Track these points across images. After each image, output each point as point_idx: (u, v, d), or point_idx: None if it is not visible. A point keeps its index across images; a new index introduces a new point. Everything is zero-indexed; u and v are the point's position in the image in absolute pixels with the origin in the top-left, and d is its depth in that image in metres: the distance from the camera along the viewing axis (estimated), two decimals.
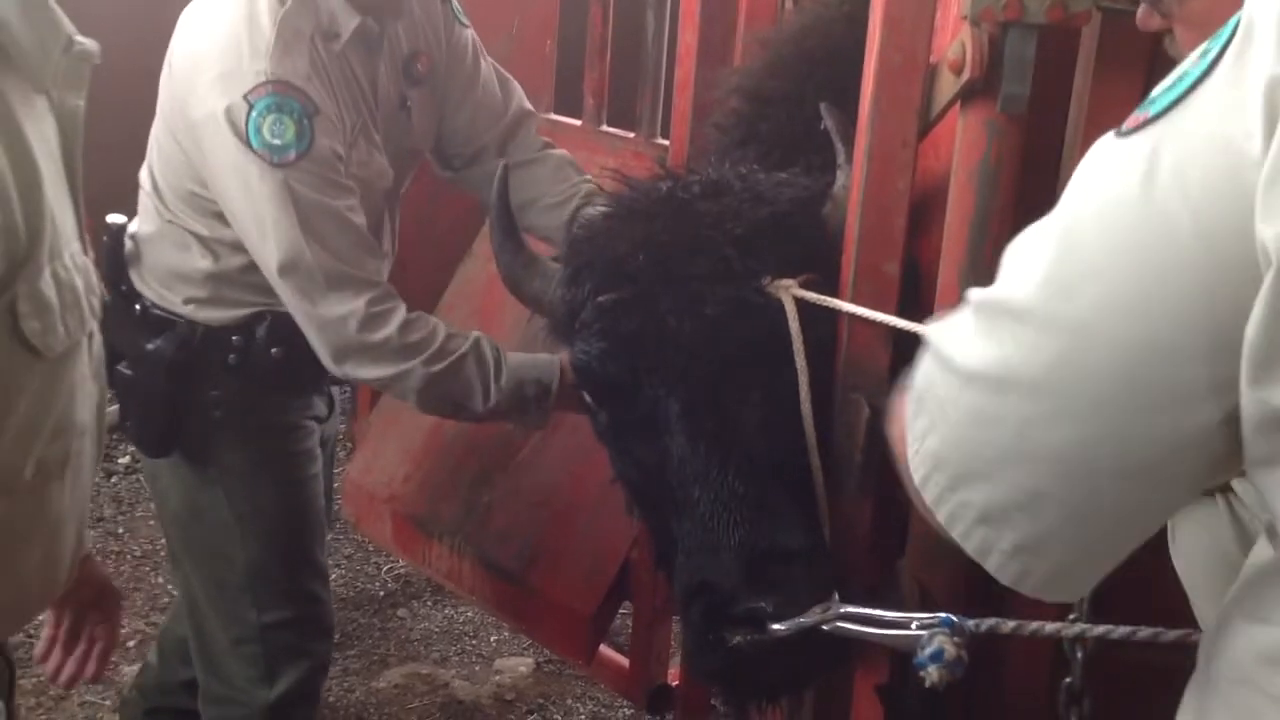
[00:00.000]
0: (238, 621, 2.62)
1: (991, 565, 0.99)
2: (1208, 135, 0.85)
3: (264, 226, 2.27)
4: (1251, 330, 0.83)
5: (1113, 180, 0.91)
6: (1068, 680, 1.67)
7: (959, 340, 0.98)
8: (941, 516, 1.00)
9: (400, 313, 2.35)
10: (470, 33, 2.79)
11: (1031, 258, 0.94)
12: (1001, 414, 0.93)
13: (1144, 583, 1.33)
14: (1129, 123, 0.91)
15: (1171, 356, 0.87)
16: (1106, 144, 0.93)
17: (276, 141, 2.25)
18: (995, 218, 1.56)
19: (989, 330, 0.96)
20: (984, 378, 0.94)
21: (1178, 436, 0.89)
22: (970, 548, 0.99)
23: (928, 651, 1.43)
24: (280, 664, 2.65)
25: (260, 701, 2.65)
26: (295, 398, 2.57)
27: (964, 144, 1.58)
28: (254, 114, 2.26)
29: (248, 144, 2.26)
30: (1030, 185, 1.58)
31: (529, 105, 2.89)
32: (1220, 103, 0.85)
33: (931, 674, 1.42)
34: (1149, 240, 0.87)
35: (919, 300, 1.74)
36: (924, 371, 1.02)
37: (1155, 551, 1.50)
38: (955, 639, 1.42)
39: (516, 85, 2.88)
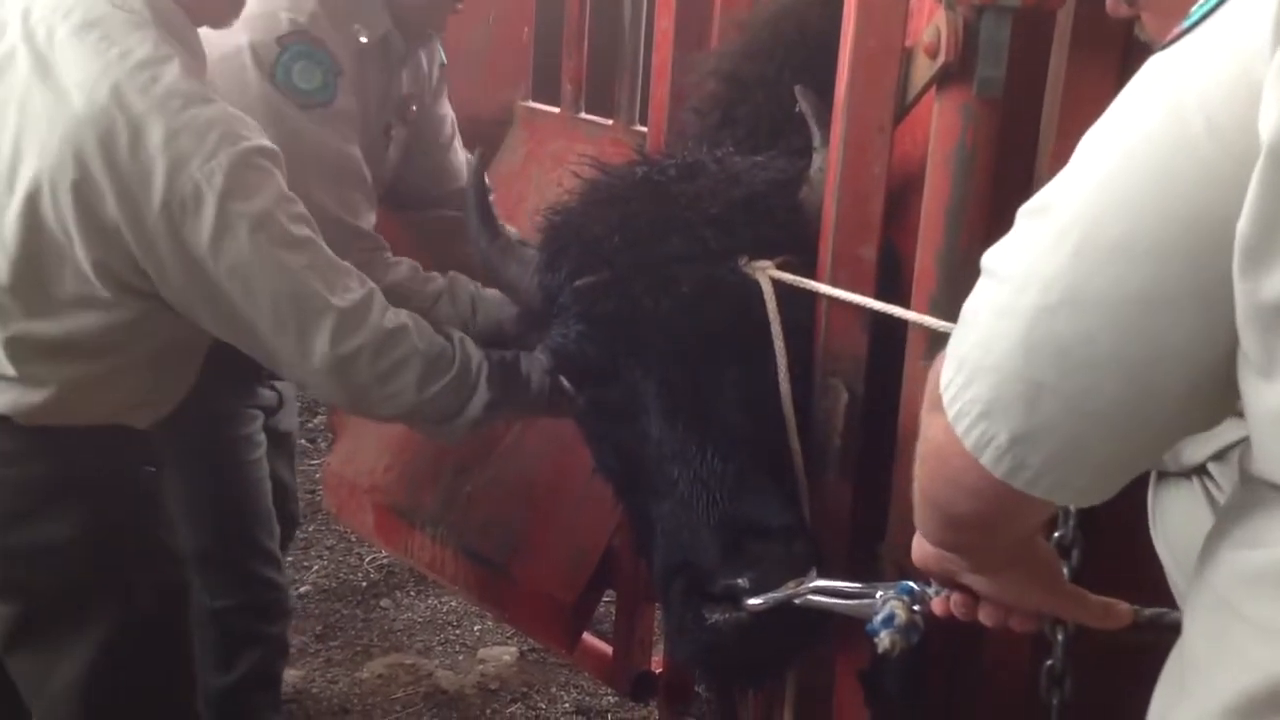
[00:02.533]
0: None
1: (988, 459, 1.02)
2: (1226, 41, 0.90)
3: None
4: (1242, 220, 0.87)
5: (1142, 91, 0.96)
6: (1049, 662, 1.67)
7: (1001, 250, 1.03)
8: (952, 414, 1.03)
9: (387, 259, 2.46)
10: (451, 114, 2.98)
11: (1072, 161, 0.99)
12: (1020, 307, 0.98)
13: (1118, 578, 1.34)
14: (1169, 37, 0.96)
15: (1165, 260, 0.92)
16: (1150, 60, 0.97)
17: (304, 86, 2.35)
18: (972, 202, 1.55)
19: (1026, 232, 1.01)
20: (1014, 276, 1.00)
21: (1167, 338, 0.94)
22: (970, 443, 1.02)
23: (880, 617, 1.42)
24: (236, 649, 2.68)
25: (216, 686, 2.67)
26: (228, 386, 2.57)
27: (940, 128, 1.57)
28: (285, 56, 2.36)
29: (272, 79, 2.34)
30: (1006, 169, 1.58)
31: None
32: (1242, 13, 0.89)
33: (883, 639, 1.41)
34: (1162, 142, 0.92)
35: (897, 286, 1.74)
36: (974, 291, 1.06)
37: (1132, 541, 1.52)
38: (911, 605, 1.41)
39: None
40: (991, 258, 1.04)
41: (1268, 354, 0.90)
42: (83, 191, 1.91)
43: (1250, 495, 1.00)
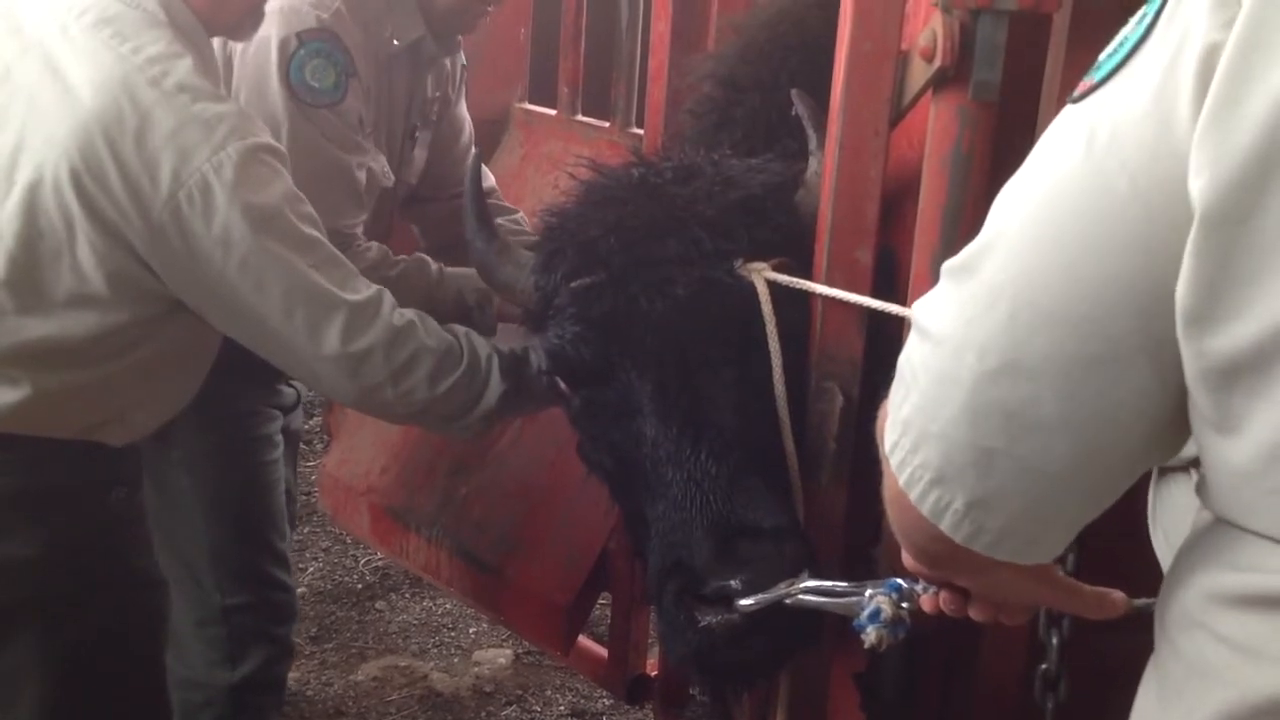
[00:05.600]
0: (201, 603, 2.65)
1: (946, 525, 1.01)
2: (1144, 99, 0.88)
3: None
4: (1180, 286, 0.87)
5: (1060, 147, 0.95)
6: (1043, 666, 1.67)
7: (933, 308, 1.02)
8: (902, 480, 1.03)
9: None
10: (469, 120, 3.01)
11: (990, 220, 0.99)
12: (959, 374, 0.96)
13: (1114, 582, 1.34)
14: (1079, 89, 0.95)
15: (1106, 321, 0.91)
16: (1064, 112, 0.97)
17: (315, 84, 2.38)
18: (968, 206, 1.55)
19: (955, 293, 1.00)
20: (948, 340, 0.98)
21: (1116, 395, 0.93)
22: (926, 509, 1.02)
23: (866, 612, 1.42)
24: (243, 647, 2.68)
25: (221, 683, 2.67)
26: (253, 385, 2.57)
27: (936, 132, 1.57)
28: (301, 52, 2.37)
29: (285, 76, 2.36)
30: (1003, 173, 1.57)
31: (494, 183, 3.03)
32: (1155, 67, 0.88)
33: (869, 635, 1.41)
34: (1087, 206, 0.91)
35: (893, 289, 1.74)
36: (907, 345, 1.05)
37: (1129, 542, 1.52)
38: (898, 602, 1.41)
39: (491, 177, 3.05)
40: (922, 314, 1.02)
41: (1220, 412, 0.90)
42: (85, 182, 1.90)
43: (1219, 521, 1.00)
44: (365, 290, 2.12)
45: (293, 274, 2.02)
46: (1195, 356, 0.89)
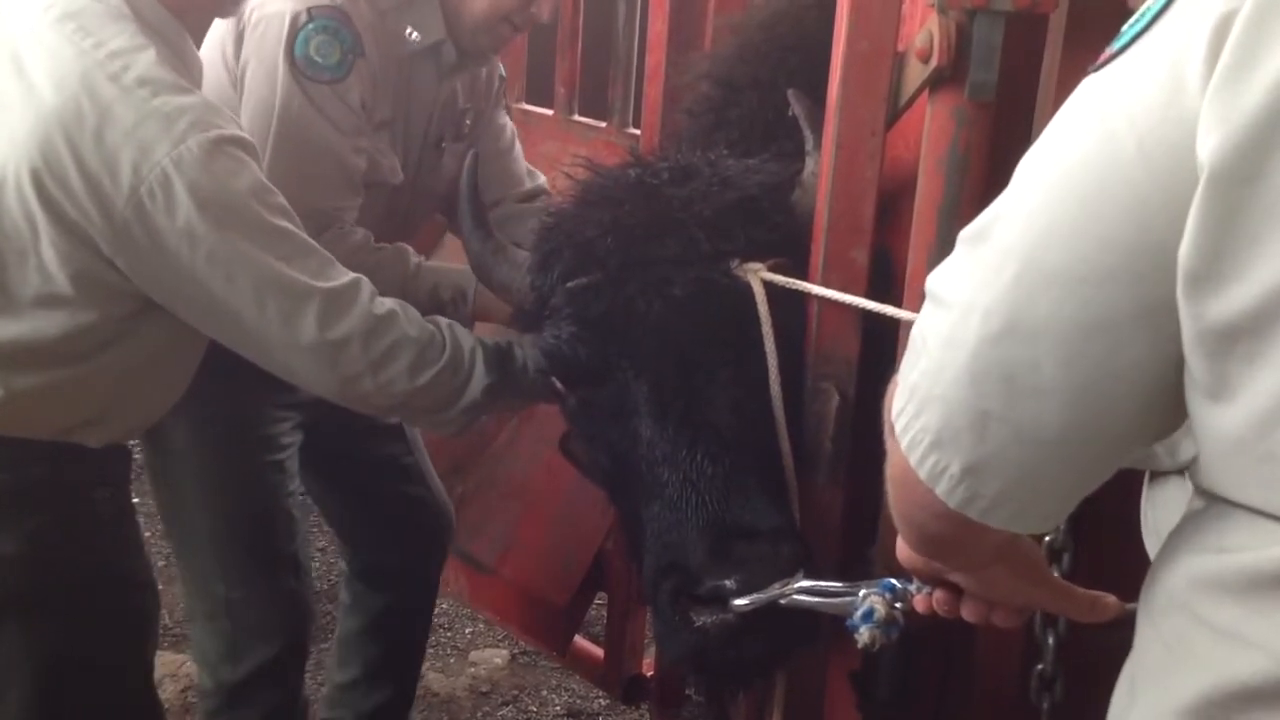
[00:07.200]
0: (207, 594, 2.63)
1: (942, 490, 1.02)
2: (1158, 67, 0.90)
3: (266, 130, 2.34)
4: (1184, 245, 0.88)
5: (1074, 114, 0.96)
6: (1039, 666, 1.67)
7: (946, 275, 1.03)
8: (904, 444, 1.04)
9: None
10: (510, 124, 2.96)
11: (1009, 186, 1.00)
12: (965, 336, 0.98)
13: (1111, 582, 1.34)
14: (1101, 58, 0.97)
15: (1105, 284, 0.92)
16: (1084, 81, 0.98)
17: (319, 59, 2.35)
18: (964, 206, 1.55)
19: (967, 259, 1.01)
20: (958, 304, 1.00)
21: (1112, 363, 0.94)
22: (924, 473, 1.03)
23: (859, 612, 1.43)
24: (246, 643, 2.65)
25: (223, 678, 2.66)
26: (256, 385, 2.52)
27: (932, 132, 1.58)
28: (310, 26, 2.35)
29: (290, 48, 2.34)
30: (999, 173, 1.58)
31: (543, 182, 3.00)
32: (1172, 37, 0.90)
33: (863, 635, 1.42)
34: (1094, 167, 0.92)
35: (890, 290, 1.74)
36: (921, 314, 1.07)
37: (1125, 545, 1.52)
38: (892, 602, 1.41)
39: (541, 177, 3.01)
40: (936, 282, 1.04)
41: (1215, 377, 0.91)
42: (46, 181, 1.87)
43: (1209, 503, 1.01)
44: (342, 277, 2.08)
45: (261, 267, 1.98)
46: (1194, 319, 0.90)
